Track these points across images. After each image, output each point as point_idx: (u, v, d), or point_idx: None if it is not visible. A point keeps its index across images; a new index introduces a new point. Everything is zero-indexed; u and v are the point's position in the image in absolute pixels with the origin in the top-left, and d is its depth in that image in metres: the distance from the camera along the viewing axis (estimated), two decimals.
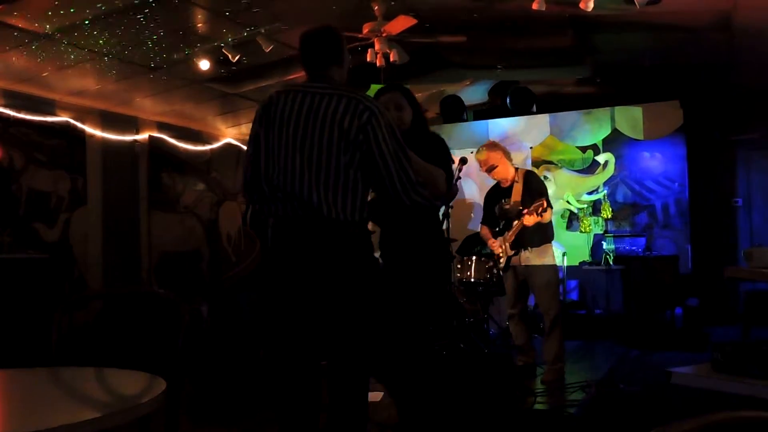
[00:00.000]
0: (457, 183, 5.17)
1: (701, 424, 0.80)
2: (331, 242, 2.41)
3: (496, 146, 5.04)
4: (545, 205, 4.62)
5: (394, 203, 2.50)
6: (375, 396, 4.26)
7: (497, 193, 5.07)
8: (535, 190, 4.80)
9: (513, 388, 3.90)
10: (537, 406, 4.16)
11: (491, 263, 5.86)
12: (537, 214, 4.61)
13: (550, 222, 4.88)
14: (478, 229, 7.30)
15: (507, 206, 4.91)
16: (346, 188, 2.41)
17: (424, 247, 3.03)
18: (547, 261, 4.83)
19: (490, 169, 4.97)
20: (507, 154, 4.98)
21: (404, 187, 2.44)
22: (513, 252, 4.85)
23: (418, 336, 2.95)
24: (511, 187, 4.93)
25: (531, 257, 4.80)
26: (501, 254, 4.94)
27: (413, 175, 2.47)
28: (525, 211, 4.66)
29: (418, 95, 7.92)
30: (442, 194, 2.83)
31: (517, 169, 5.02)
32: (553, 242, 4.96)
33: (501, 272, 5.09)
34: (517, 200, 4.84)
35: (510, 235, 4.83)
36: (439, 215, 3.19)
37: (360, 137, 2.39)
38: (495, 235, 5.01)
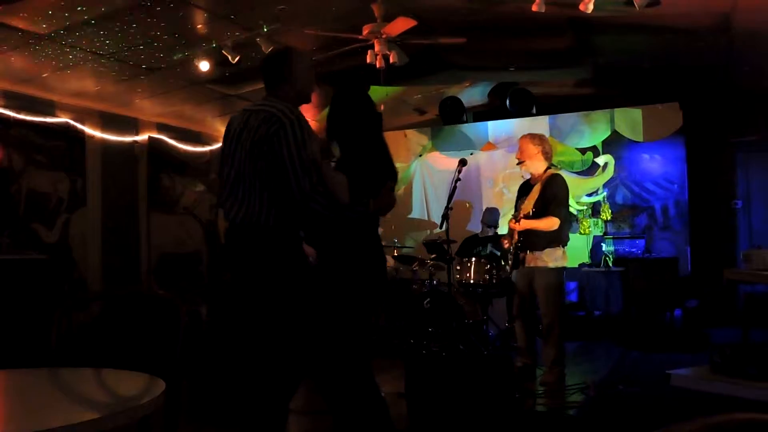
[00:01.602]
0: (456, 184, 5.21)
1: (700, 426, 0.80)
2: (243, 246, 2.64)
3: (535, 140, 4.89)
4: (521, 214, 4.65)
5: (298, 210, 2.62)
6: None
7: (524, 189, 5.03)
8: (548, 195, 4.72)
9: (512, 390, 3.89)
10: (536, 408, 4.16)
11: (490, 265, 5.86)
12: (515, 220, 4.67)
13: (562, 226, 4.71)
14: (478, 231, 7.34)
15: (522, 205, 4.91)
16: (252, 195, 2.61)
17: (344, 253, 2.89)
18: (550, 265, 4.70)
19: (518, 162, 4.96)
20: (545, 153, 4.84)
21: (303, 196, 2.56)
22: (517, 251, 4.82)
23: (341, 341, 2.76)
24: (533, 186, 4.90)
25: (535, 259, 4.76)
26: (510, 251, 4.93)
27: (310, 184, 2.57)
28: (531, 210, 4.69)
29: (417, 96, 8.02)
30: (345, 203, 2.72)
31: (547, 170, 4.89)
32: (562, 248, 4.75)
33: (509, 269, 5.06)
34: (531, 202, 4.81)
35: (514, 235, 4.83)
36: (365, 225, 2.91)
37: (265, 147, 2.58)
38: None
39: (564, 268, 4.83)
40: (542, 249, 4.70)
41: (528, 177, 5.08)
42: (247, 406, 2.67)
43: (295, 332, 2.62)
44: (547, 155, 4.87)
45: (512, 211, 5.09)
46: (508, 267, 5.09)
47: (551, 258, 4.71)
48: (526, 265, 4.78)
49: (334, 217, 2.68)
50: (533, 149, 4.85)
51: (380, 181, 2.83)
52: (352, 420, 2.69)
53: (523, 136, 5.00)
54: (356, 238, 2.84)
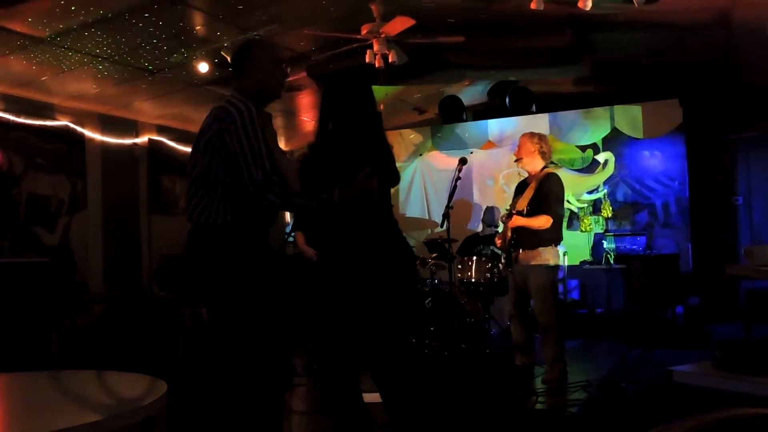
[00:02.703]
0: (456, 183, 5.21)
1: (702, 422, 0.80)
2: (196, 245, 2.62)
3: (535, 139, 4.91)
4: (514, 211, 4.67)
5: (255, 202, 2.59)
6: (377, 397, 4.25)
7: (521, 188, 5.05)
8: (543, 193, 4.72)
9: (514, 388, 3.89)
10: (538, 406, 4.16)
11: (492, 263, 5.86)
12: (508, 217, 4.69)
13: (555, 225, 4.73)
14: (478, 229, 7.33)
15: (517, 203, 4.92)
16: (208, 193, 2.59)
17: (347, 242, 2.78)
18: (544, 263, 4.69)
19: (516, 160, 5.00)
20: (542, 152, 4.87)
21: (257, 187, 2.54)
22: (510, 249, 4.83)
23: (377, 330, 2.67)
24: (529, 184, 4.91)
25: (528, 258, 4.76)
26: (503, 250, 4.95)
27: (263, 173, 2.54)
28: (525, 208, 4.70)
29: (417, 96, 8.02)
30: (299, 191, 2.66)
31: (543, 169, 4.89)
32: (555, 247, 4.80)
33: (503, 268, 5.07)
34: (526, 200, 4.81)
35: (507, 233, 4.84)
36: (371, 220, 2.77)
37: (218, 143, 2.56)
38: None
39: (558, 267, 4.84)
40: (535, 247, 4.70)
41: (525, 175, 5.09)
42: (239, 407, 2.66)
43: (256, 328, 2.58)
44: (545, 155, 4.90)
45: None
46: (501, 266, 5.09)
47: (545, 256, 4.71)
48: (521, 263, 4.78)
49: (292, 207, 2.65)
50: (531, 147, 4.88)
51: (353, 169, 2.64)
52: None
53: (524, 134, 5.05)
54: (361, 234, 2.76)
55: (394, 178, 2.86)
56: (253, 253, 2.63)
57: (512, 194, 5.17)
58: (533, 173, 4.90)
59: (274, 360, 2.64)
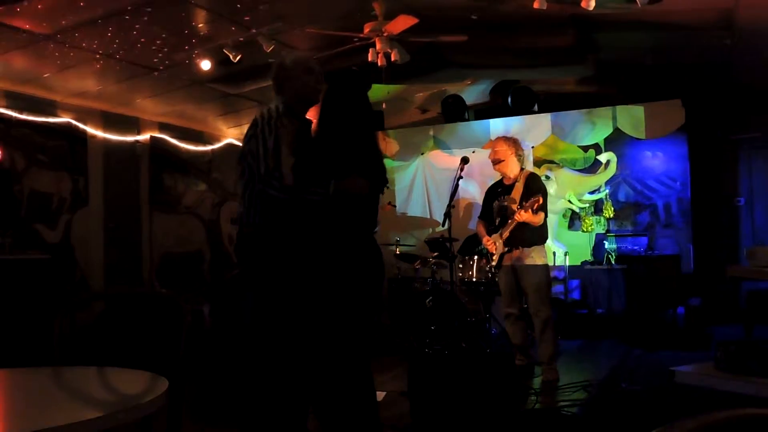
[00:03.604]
0: (458, 182, 5.22)
1: (704, 422, 0.80)
2: (240, 247, 2.90)
3: (510, 142, 5.03)
4: (541, 201, 4.65)
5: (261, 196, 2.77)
6: (377, 395, 4.25)
7: (498, 190, 5.09)
8: (535, 191, 4.79)
9: (515, 388, 3.89)
10: (538, 406, 4.16)
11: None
12: (533, 211, 4.65)
13: (545, 224, 4.88)
14: None
15: (505, 203, 4.93)
16: (244, 197, 2.84)
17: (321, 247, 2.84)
18: (539, 262, 4.82)
19: (495, 162, 5.02)
20: (518, 154, 5.00)
21: (261, 181, 2.71)
22: (506, 249, 4.86)
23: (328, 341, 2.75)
24: (512, 185, 4.95)
25: (523, 257, 4.80)
26: (494, 251, 4.95)
27: (266, 168, 2.70)
28: (517, 206, 4.72)
29: (419, 95, 8.01)
30: (294, 185, 2.76)
31: (522, 169, 5.03)
32: (551, 242, 4.96)
33: (494, 269, 5.09)
34: (516, 199, 4.85)
35: (504, 232, 4.85)
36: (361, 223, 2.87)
37: (246, 148, 2.80)
38: (490, 232, 5.01)
39: (547, 264, 4.95)
40: (531, 246, 4.80)
41: (500, 178, 5.18)
42: (260, 407, 2.69)
43: (276, 333, 2.72)
44: (520, 158, 5.03)
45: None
46: (491, 266, 5.09)
47: (538, 256, 4.81)
48: (515, 263, 4.82)
49: (291, 200, 2.75)
50: (509, 150, 4.97)
51: (348, 168, 2.82)
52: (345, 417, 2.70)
53: (498, 138, 5.14)
54: (351, 235, 2.82)
55: (381, 183, 2.97)
56: (271, 254, 2.76)
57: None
58: (513, 176, 4.98)
59: (292, 360, 2.73)
